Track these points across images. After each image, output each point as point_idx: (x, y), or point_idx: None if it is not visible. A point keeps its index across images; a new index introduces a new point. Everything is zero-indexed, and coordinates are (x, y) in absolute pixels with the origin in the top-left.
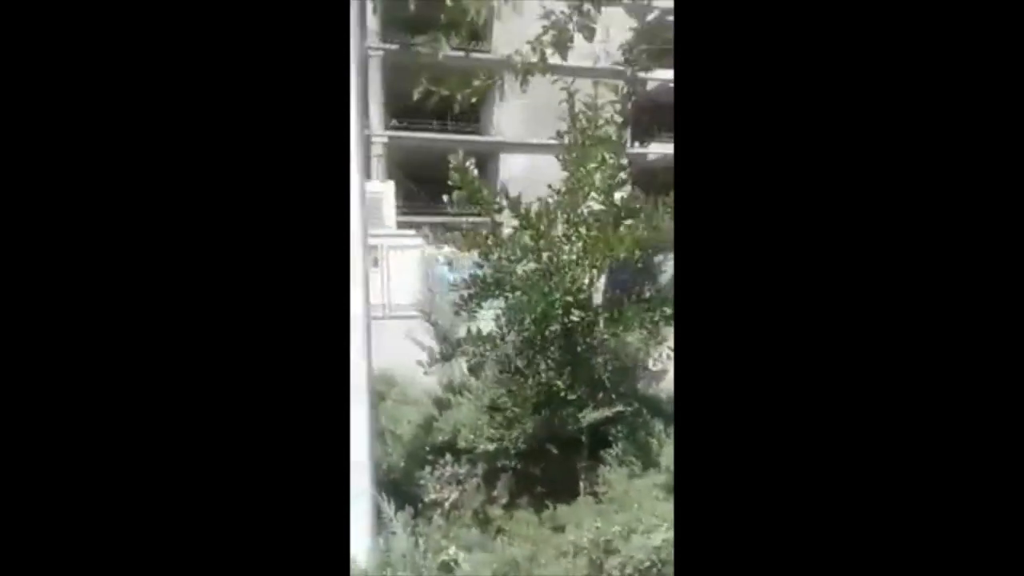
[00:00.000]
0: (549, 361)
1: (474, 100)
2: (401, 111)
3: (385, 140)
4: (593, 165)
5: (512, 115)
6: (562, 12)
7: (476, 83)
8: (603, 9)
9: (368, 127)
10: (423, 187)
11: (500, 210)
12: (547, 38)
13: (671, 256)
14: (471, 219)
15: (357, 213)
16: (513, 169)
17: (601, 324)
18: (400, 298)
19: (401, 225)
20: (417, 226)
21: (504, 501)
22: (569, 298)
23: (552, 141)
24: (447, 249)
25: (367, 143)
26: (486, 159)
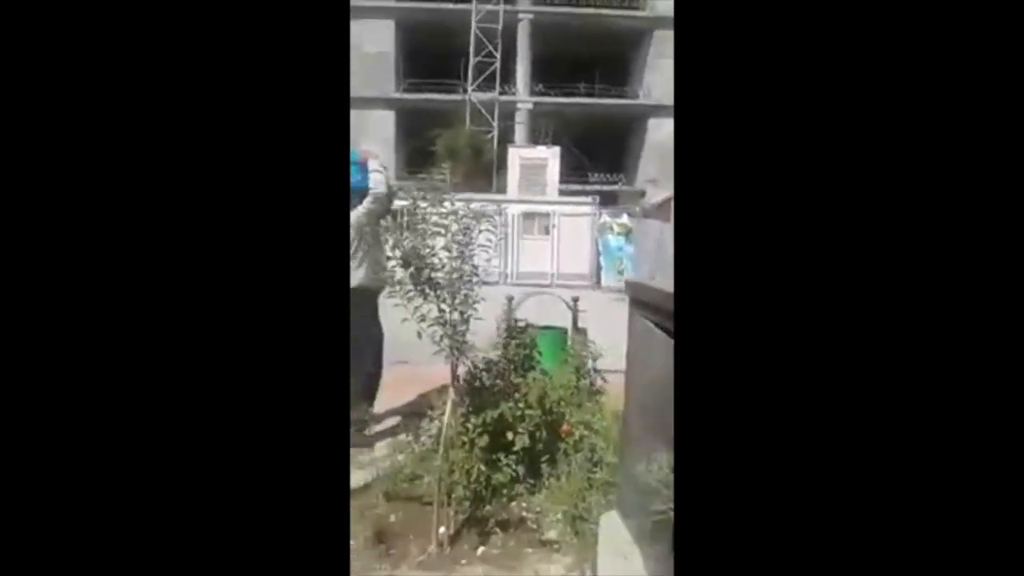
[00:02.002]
0: None
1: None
2: (547, 75)
3: (530, 106)
4: None
5: (663, 76)
6: None
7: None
8: None
9: (515, 92)
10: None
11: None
12: None
13: None
14: (622, 187)
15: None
16: (662, 133)
17: None
18: (569, 266)
19: (562, 193)
20: (577, 193)
21: None
22: None
23: None
24: (625, 218)
25: (513, 109)
26: (633, 124)
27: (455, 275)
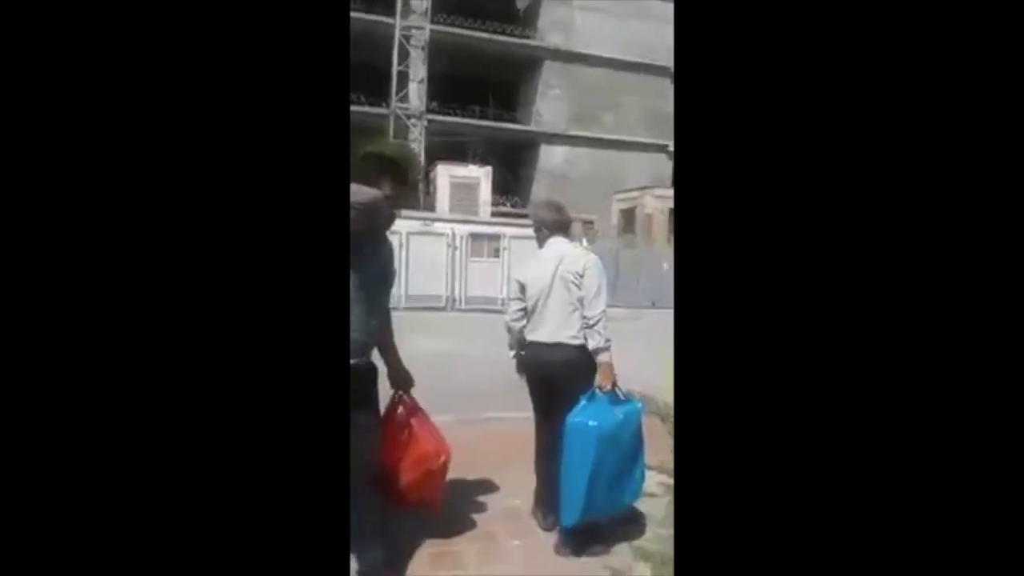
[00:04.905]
0: None
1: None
2: (441, 94)
3: (425, 124)
4: None
5: (553, 105)
6: None
7: None
8: None
9: (410, 110)
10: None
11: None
12: None
13: None
14: (522, 209)
15: None
16: (553, 160)
17: None
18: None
19: (493, 213)
20: (504, 214)
21: None
22: None
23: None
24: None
25: (404, 126)
26: (526, 149)
27: None
